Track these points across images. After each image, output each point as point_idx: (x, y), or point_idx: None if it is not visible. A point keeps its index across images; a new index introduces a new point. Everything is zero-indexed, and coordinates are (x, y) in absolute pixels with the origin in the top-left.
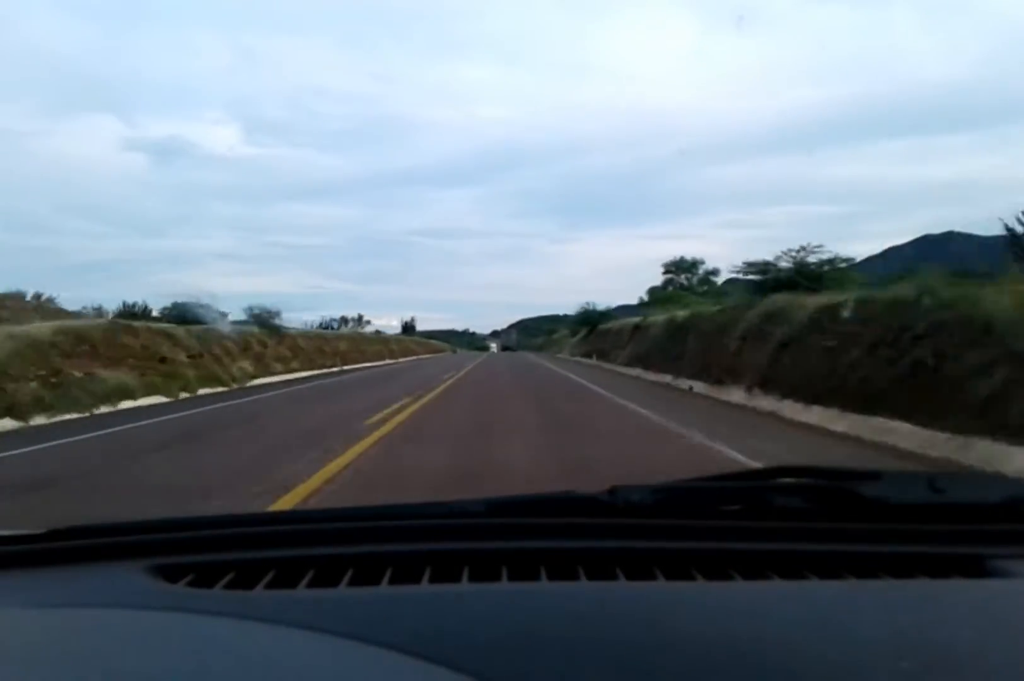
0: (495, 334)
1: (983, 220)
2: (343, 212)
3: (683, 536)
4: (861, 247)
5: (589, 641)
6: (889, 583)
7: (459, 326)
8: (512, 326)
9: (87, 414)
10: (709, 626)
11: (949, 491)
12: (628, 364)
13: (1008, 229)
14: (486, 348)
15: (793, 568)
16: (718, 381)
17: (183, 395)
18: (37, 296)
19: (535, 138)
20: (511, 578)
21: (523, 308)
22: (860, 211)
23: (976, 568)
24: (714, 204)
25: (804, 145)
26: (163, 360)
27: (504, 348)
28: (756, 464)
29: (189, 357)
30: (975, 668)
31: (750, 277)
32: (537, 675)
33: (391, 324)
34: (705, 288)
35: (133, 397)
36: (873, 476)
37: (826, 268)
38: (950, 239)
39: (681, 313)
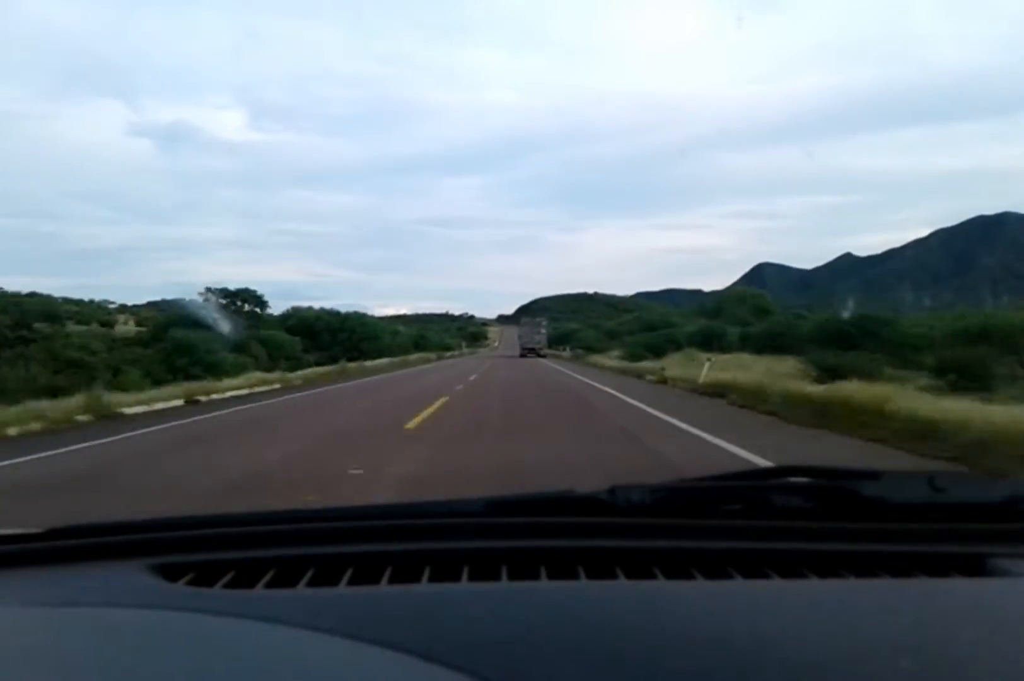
0: (503, 320)
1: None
2: (349, 200)
3: (683, 535)
4: (889, 236)
5: (589, 641)
6: (889, 582)
7: (455, 309)
8: (528, 308)
9: None
10: (709, 625)
11: (949, 490)
12: None
13: None
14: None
15: (793, 567)
16: None
17: None
18: None
19: (542, 125)
20: (511, 577)
21: (529, 297)
22: (875, 200)
23: (976, 567)
24: (724, 193)
25: (816, 134)
26: None
27: (525, 351)
28: None
29: None
30: (975, 667)
31: None
32: (537, 675)
33: (399, 312)
34: None
35: None
36: (873, 475)
37: None
38: (1003, 220)
39: None
